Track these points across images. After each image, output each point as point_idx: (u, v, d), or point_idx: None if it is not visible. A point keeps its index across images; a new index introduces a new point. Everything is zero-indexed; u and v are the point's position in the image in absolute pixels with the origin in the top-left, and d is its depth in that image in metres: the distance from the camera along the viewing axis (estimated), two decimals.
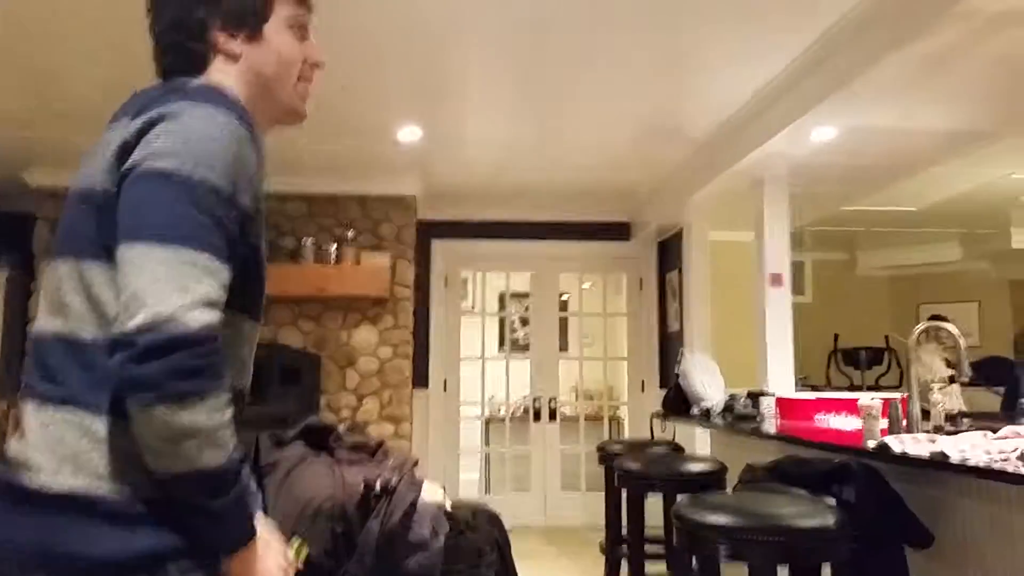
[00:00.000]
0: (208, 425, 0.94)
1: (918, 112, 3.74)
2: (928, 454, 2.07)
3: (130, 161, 1.01)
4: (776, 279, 4.30)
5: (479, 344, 6.18)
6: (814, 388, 5.65)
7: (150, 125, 1.02)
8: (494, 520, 2.55)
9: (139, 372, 0.91)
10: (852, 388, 6.33)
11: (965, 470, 1.93)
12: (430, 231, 6.08)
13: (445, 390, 6.04)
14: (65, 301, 1.04)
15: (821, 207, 5.60)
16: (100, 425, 0.99)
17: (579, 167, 5.20)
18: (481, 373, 6.16)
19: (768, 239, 4.33)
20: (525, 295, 6.42)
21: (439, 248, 6.13)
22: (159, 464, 0.95)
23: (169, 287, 0.93)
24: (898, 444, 2.22)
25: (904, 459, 2.15)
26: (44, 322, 1.07)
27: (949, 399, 2.51)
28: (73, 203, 1.08)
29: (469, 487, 6.09)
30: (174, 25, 1.16)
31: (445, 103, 4.07)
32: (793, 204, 4.46)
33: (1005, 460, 1.91)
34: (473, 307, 6.46)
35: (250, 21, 1.18)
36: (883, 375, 6.78)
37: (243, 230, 1.05)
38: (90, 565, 0.96)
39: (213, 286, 0.97)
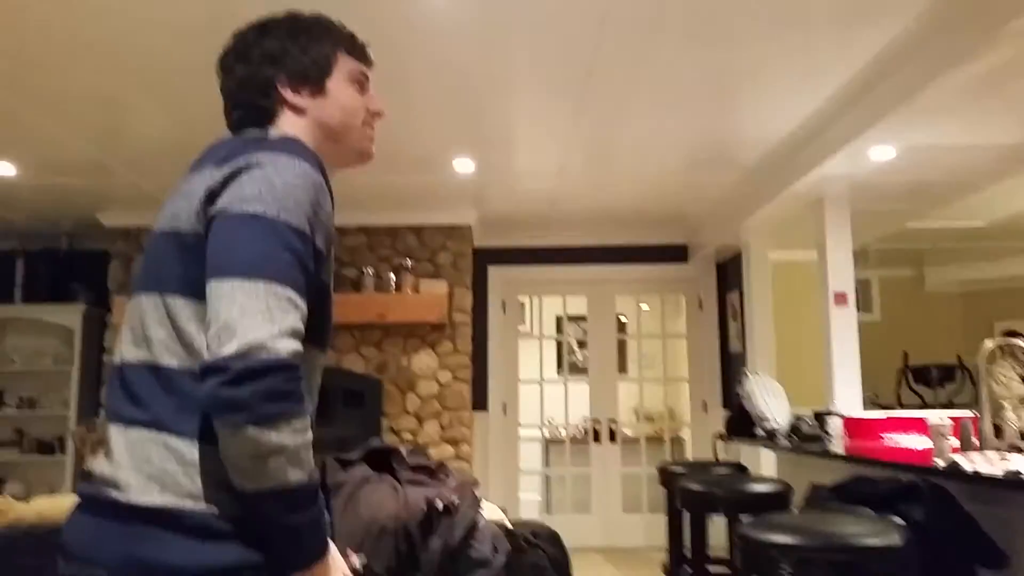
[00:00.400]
0: (293, 444, 1.00)
1: (979, 128, 3.65)
2: (1000, 473, 2.01)
3: (218, 205, 1.08)
4: (841, 298, 4.23)
5: (537, 367, 6.20)
6: (885, 407, 5.49)
7: (236, 173, 1.09)
8: (554, 539, 2.56)
9: (233, 394, 0.97)
10: (924, 407, 6.13)
11: None
12: (486, 258, 6.16)
13: (504, 413, 6.07)
14: (149, 332, 1.11)
15: (885, 224, 5.47)
16: (184, 445, 1.05)
17: (632, 192, 5.21)
18: (540, 395, 6.17)
19: (831, 259, 4.26)
20: (582, 318, 6.43)
21: (495, 274, 6.20)
22: (246, 481, 1.00)
23: (259, 318, 1.00)
24: (968, 463, 2.16)
25: (974, 478, 2.09)
26: (128, 351, 1.13)
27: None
28: (158, 242, 1.15)
29: (529, 508, 6.09)
30: (244, 84, 1.25)
31: (496, 136, 4.15)
32: (856, 222, 4.38)
33: None
34: (531, 331, 6.50)
35: (314, 77, 1.26)
36: (956, 393, 6.54)
37: (317, 268, 1.12)
38: (169, 572, 1.01)
39: (296, 318, 1.04)
